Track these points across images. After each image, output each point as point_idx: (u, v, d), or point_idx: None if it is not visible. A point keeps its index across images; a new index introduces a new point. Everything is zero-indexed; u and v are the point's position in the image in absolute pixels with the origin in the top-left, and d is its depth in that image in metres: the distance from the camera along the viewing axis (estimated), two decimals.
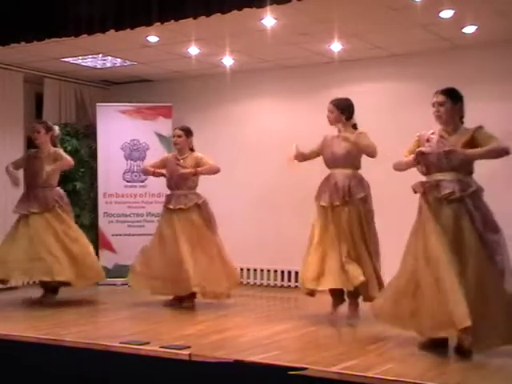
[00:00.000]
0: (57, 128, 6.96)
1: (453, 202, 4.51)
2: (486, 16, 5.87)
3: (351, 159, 5.73)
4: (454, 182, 4.54)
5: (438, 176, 4.61)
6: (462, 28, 6.25)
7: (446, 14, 5.75)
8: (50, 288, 6.68)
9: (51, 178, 6.71)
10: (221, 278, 6.39)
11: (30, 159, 6.78)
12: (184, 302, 6.50)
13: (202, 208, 6.54)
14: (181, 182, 6.57)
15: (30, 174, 6.75)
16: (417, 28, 6.25)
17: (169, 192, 6.74)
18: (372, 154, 5.65)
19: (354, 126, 5.84)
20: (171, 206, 6.54)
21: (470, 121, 4.72)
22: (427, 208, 4.58)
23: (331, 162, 5.80)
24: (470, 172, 4.65)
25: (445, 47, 6.90)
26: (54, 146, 6.83)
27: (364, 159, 5.81)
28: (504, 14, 5.79)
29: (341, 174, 5.70)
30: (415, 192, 4.72)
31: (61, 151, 6.81)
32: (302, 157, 5.92)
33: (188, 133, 6.67)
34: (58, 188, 6.85)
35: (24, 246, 6.46)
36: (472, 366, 4.18)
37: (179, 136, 6.64)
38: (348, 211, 5.61)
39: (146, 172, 7.10)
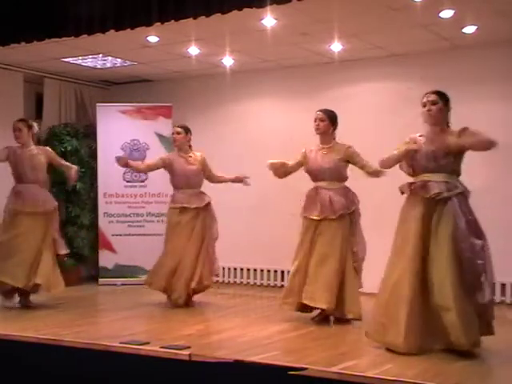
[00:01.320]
0: (35, 124, 6.71)
1: (440, 203, 4.52)
2: (486, 16, 5.86)
3: (338, 172, 5.76)
4: (441, 182, 4.56)
5: (425, 177, 4.62)
6: (462, 28, 6.25)
7: (446, 13, 5.75)
8: (24, 293, 6.49)
9: (40, 176, 6.51)
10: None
11: (17, 155, 6.50)
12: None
13: (209, 207, 6.60)
14: (192, 180, 6.60)
15: (20, 172, 6.48)
16: (417, 28, 6.25)
17: (173, 192, 6.70)
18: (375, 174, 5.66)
19: (334, 139, 5.87)
20: (186, 205, 6.52)
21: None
22: (416, 208, 4.57)
23: (318, 175, 5.80)
24: (458, 173, 4.66)
25: (445, 47, 6.90)
26: (35, 142, 6.65)
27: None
28: (504, 14, 5.79)
29: (330, 188, 5.72)
30: (402, 193, 4.74)
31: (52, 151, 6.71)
32: (282, 169, 5.93)
33: (187, 130, 6.71)
34: (44, 189, 6.61)
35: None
36: (471, 366, 4.18)
37: (178, 133, 6.67)
38: (337, 225, 5.64)
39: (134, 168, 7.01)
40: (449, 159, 4.58)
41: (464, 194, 4.58)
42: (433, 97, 4.67)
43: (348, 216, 5.69)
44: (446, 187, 4.54)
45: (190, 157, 6.67)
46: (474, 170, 4.79)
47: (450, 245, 4.43)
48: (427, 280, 4.48)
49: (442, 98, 4.68)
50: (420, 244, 4.51)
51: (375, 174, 5.62)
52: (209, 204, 6.60)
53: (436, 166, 4.59)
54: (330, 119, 5.80)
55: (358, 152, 5.76)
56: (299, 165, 5.94)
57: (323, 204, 5.69)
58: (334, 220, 5.65)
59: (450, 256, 4.42)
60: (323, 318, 5.71)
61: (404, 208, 4.71)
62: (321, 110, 5.84)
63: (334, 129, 5.85)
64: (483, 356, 4.42)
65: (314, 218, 5.71)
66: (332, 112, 5.85)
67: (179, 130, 6.68)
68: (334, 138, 5.87)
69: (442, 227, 4.48)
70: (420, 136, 4.75)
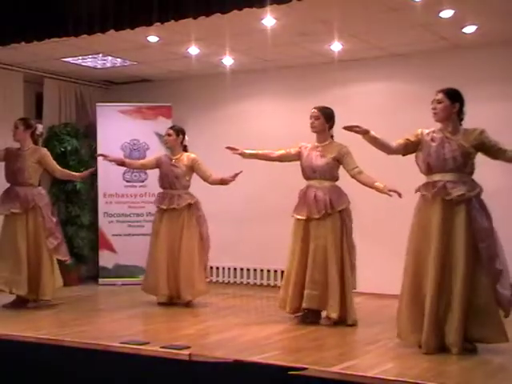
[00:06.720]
0: (40, 126, 6.79)
1: (460, 204, 4.51)
2: (486, 16, 5.86)
3: (330, 172, 5.71)
4: (459, 182, 4.55)
5: (440, 177, 4.59)
6: (462, 28, 6.25)
7: (446, 13, 5.75)
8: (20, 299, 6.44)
9: (33, 177, 6.50)
10: (187, 284, 6.43)
11: (11, 156, 6.53)
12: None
13: (192, 208, 6.56)
14: (175, 181, 6.60)
15: (11, 172, 6.51)
16: (417, 28, 6.25)
17: (161, 191, 6.74)
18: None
19: (332, 137, 5.82)
20: (164, 207, 6.56)
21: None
22: (437, 210, 4.54)
23: (310, 174, 5.74)
24: (472, 172, 4.65)
25: (445, 47, 6.90)
26: (36, 143, 6.66)
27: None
28: (504, 14, 5.79)
29: (320, 187, 5.67)
30: (417, 191, 4.71)
31: (48, 153, 6.65)
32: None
33: (178, 132, 6.71)
34: (40, 188, 6.64)
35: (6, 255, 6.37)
36: (472, 366, 4.18)
37: (169, 135, 6.71)
38: (327, 225, 5.57)
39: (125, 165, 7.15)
40: (467, 160, 4.57)
41: (480, 194, 4.60)
42: (439, 96, 4.68)
43: (337, 215, 5.59)
44: (467, 187, 4.53)
45: (177, 158, 6.66)
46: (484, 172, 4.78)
47: (469, 244, 4.45)
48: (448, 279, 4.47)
49: (449, 96, 4.65)
50: (442, 247, 4.48)
51: (356, 177, 5.61)
52: (190, 205, 6.55)
53: (454, 166, 4.56)
54: (324, 117, 5.71)
55: (352, 154, 5.67)
56: (294, 155, 5.86)
57: (309, 203, 5.64)
58: (319, 219, 5.57)
59: (468, 256, 4.43)
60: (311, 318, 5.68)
61: (421, 209, 4.65)
62: (316, 107, 5.76)
63: (330, 127, 5.76)
64: (484, 356, 4.42)
65: (300, 217, 5.67)
66: (328, 109, 5.75)
67: (170, 132, 6.72)
68: (332, 136, 5.80)
69: (461, 228, 4.47)
70: (434, 133, 4.70)
